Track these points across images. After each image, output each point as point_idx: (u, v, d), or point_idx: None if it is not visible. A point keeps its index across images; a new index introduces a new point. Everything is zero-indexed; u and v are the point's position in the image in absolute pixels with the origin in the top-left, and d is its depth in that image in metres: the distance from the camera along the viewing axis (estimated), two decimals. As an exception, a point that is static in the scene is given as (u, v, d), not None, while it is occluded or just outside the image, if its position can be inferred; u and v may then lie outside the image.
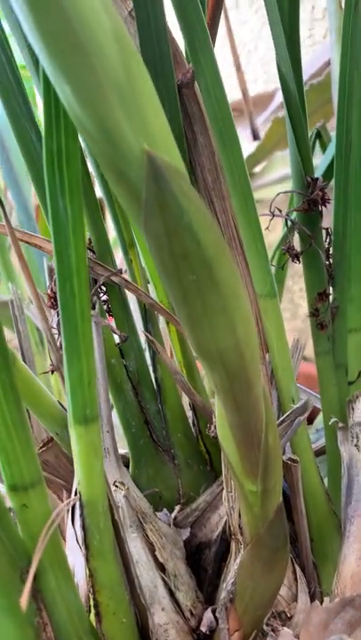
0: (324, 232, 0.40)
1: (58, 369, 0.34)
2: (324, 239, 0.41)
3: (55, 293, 0.37)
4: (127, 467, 0.46)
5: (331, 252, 0.40)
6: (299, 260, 0.40)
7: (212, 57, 0.32)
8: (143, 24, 0.32)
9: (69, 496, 0.46)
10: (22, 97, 0.32)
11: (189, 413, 0.46)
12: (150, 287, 0.42)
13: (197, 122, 0.35)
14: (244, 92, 0.81)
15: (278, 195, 0.39)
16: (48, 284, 0.38)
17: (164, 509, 0.44)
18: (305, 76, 0.82)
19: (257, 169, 0.89)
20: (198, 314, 0.26)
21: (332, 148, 0.53)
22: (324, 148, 0.55)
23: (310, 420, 0.63)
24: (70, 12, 0.20)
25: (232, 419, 0.30)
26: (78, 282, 0.27)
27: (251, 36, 0.99)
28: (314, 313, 0.39)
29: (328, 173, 0.51)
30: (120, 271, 0.37)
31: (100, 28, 0.21)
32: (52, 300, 0.37)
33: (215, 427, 0.35)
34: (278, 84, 0.37)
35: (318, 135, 0.55)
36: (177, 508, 0.44)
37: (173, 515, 0.44)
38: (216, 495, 0.43)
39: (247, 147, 0.97)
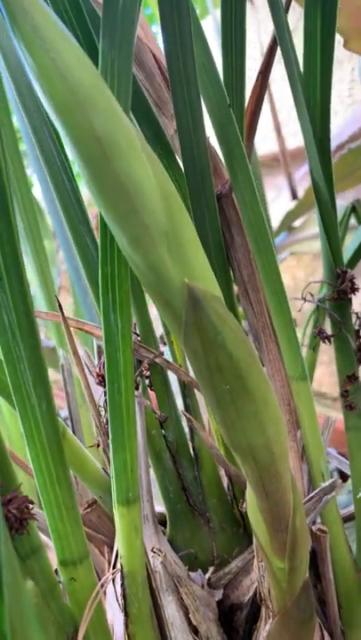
0: (353, 316, 0.43)
1: (104, 451, 0.38)
2: (353, 322, 0.43)
3: (103, 373, 0.41)
4: (163, 524, 0.49)
5: None
6: (330, 342, 0.43)
7: (249, 172, 0.35)
8: (186, 141, 0.35)
9: (110, 551, 0.49)
10: (79, 206, 0.36)
11: (224, 478, 0.49)
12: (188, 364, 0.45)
13: (234, 225, 0.38)
14: (283, 153, 0.85)
15: (310, 283, 0.42)
16: (97, 362, 0.42)
17: (199, 570, 0.47)
18: (343, 137, 0.85)
19: (296, 223, 0.92)
20: (232, 417, 0.29)
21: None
22: (359, 220, 0.58)
23: (344, 479, 0.65)
24: (121, 174, 0.24)
25: (262, 504, 0.33)
26: (125, 384, 0.31)
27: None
28: (343, 394, 0.42)
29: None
30: (162, 353, 0.41)
31: (146, 183, 0.25)
32: (100, 378, 0.41)
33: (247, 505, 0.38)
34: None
35: (353, 209, 0.58)
36: (211, 569, 0.47)
37: (207, 576, 0.46)
38: (248, 561, 0.45)
39: (286, 204, 1.00)
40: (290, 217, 0.86)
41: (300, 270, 1.23)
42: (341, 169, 0.80)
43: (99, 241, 0.28)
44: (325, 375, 1.15)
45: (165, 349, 0.45)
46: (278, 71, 1.10)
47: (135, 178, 0.24)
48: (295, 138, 1.06)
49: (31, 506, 0.27)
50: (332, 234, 0.40)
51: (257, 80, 0.39)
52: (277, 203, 1.11)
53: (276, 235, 0.92)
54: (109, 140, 0.22)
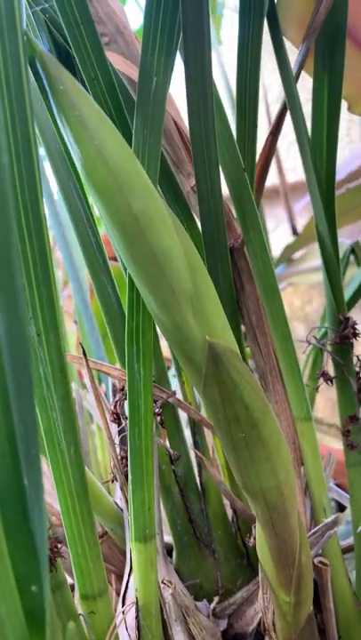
0: (355, 358, 0.45)
1: (122, 489, 0.40)
2: (355, 364, 0.46)
3: (117, 411, 0.43)
4: (169, 553, 0.51)
5: (361, 377, 0.45)
6: (332, 383, 0.45)
7: (260, 229, 0.38)
8: (203, 197, 0.38)
9: (117, 580, 0.51)
10: (101, 256, 0.38)
11: (229, 511, 0.51)
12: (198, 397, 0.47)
13: (245, 274, 0.41)
14: (284, 189, 0.88)
15: (313, 329, 0.45)
16: (112, 400, 0.44)
17: (204, 600, 0.49)
18: (342, 174, 0.89)
19: (296, 255, 0.95)
20: (246, 461, 0.31)
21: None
22: (358, 262, 0.61)
23: (341, 510, 0.67)
24: (154, 246, 0.26)
25: (270, 541, 0.35)
26: (145, 428, 0.33)
27: (291, 129, 1.06)
28: (345, 434, 0.44)
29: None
30: (174, 392, 0.43)
31: (175, 253, 0.27)
32: (115, 415, 0.43)
33: (255, 539, 0.40)
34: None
35: (352, 251, 0.61)
36: (216, 599, 0.49)
37: (212, 606, 0.48)
38: (252, 592, 0.47)
39: (285, 233, 1.03)
40: (289, 250, 0.89)
41: (297, 298, 1.26)
42: (339, 207, 0.83)
43: (126, 297, 0.31)
44: (321, 400, 1.18)
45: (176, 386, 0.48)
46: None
47: (165, 248, 0.26)
48: (294, 172, 1.09)
49: (60, 545, 0.29)
50: (335, 283, 0.43)
51: (267, 140, 0.42)
52: (277, 233, 1.15)
53: (275, 266, 0.95)
54: (144, 217, 0.25)
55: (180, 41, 0.29)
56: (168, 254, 0.27)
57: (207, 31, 0.27)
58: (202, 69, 0.28)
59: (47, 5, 0.31)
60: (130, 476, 0.34)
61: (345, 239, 0.69)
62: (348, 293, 0.60)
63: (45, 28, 0.33)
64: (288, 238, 1.00)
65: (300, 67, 0.38)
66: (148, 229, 0.25)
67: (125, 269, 0.30)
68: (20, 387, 0.19)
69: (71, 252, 0.81)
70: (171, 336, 0.29)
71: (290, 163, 1.11)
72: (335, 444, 1.17)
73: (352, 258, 0.65)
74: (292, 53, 0.43)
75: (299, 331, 1.23)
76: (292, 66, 0.39)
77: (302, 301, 1.26)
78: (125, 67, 0.34)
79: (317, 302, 1.26)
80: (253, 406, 0.30)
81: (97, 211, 0.36)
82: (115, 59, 0.34)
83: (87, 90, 0.30)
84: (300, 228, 0.93)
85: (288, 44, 0.40)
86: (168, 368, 0.48)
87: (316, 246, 0.91)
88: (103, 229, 0.45)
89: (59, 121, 0.24)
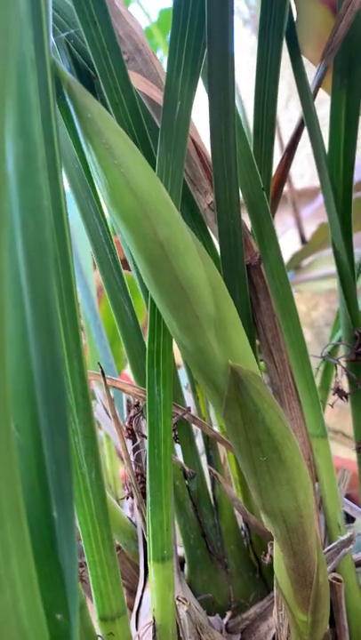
0: (369, 374, 0.45)
1: (139, 509, 0.40)
2: (369, 379, 0.46)
3: (132, 427, 0.43)
4: (181, 565, 0.51)
5: (375, 392, 0.45)
6: (346, 399, 0.45)
7: (277, 247, 0.38)
8: (222, 217, 0.38)
9: (129, 593, 0.51)
10: (119, 274, 0.38)
11: (241, 523, 0.51)
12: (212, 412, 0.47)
13: (261, 291, 0.40)
14: (293, 199, 0.88)
15: (328, 345, 0.45)
16: (126, 416, 0.44)
17: (217, 615, 0.49)
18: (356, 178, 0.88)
19: (304, 262, 0.95)
20: (267, 484, 0.31)
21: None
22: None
23: (349, 521, 0.67)
24: (178, 272, 0.26)
25: (288, 562, 0.35)
26: (165, 449, 0.33)
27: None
28: (360, 449, 0.44)
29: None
30: (188, 409, 0.43)
31: (199, 280, 0.27)
32: (129, 432, 0.43)
33: (270, 556, 0.40)
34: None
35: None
36: (228, 613, 0.49)
37: (225, 621, 0.48)
38: (266, 608, 0.47)
39: (292, 238, 1.03)
40: (297, 258, 0.89)
41: (302, 304, 1.25)
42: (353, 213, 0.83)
43: (148, 321, 0.31)
44: (328, 407, 1.17)
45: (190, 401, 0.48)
46: (287, 116, 1.13)
47: (190, 275, 0.26)
48: (302, 179, 1.09)
49: (81, 569, 0.29)
50: (350, 298, 0.43)
51: (283, 157, 0.42)
52: (284, 238, 1.15)
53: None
54: (170, 244, 0.25)
55: (203, 66, 0.29)
56: (192, 281, 0.27)
57: (231, 58, 0.27)
58: (225, 95, 0.28)
59: (73, 31, 0.30)
60: (148, 497, 0.34)
61: (358, 248, 0.69)
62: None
63: (65, 47, 0.33)
64: (295, 243, 1.00)
65: (319, 84, 0.38)
66: (174, 256, 0.25)
67: (147, 292, 0.30)
68: (53, 427, 0.19)
69: (79, 257, 0.81)
70: (193, 359, 0.29)
71: (297, 169, 1.11)
72: (341, 452, 1.17)
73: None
74: (308, 68, 0.43)
75: (305, 336, 1.23)
76: (310, 83, 0.39)
77: (308, 307, 1.26)
78: (146, 86, 0.34)
79: (323, 307, 1.26)
80: (275, 430, 0.30)
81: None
82: (135, 78, 0.34)
83: (109, 112, 0.29)
84: (307, 235, 0.93)
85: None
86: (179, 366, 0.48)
87: (323, 254, 0.91)
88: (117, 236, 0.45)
89: (84, 147, 0.24)
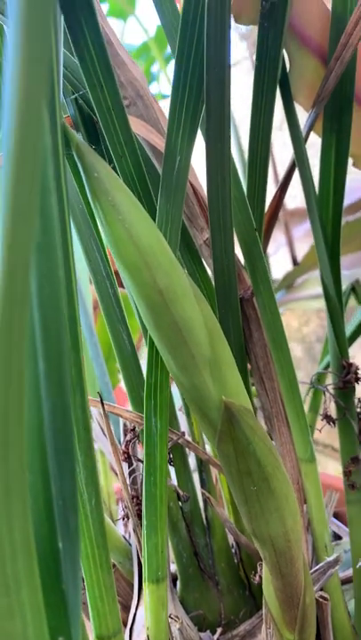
0: (356, 400, 0.47)
1: (135, 531, 0.41)
2: (356, 406, 0.48)
3: (128, 450, 0.45)
4: (173, 582, 0.53)
5: (362, 418, 0.47)
6: (334, 424, 0.47)
7: (269, 283, 0.40)
8: (217, 256, 0.40)
9: (124, 611, 0.52)
10: (118, 307, 0.40)
11: (232, 541, 0.53)
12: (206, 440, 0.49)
13: (253, 322, 0.42)
14: (286, 225, 0.90)
15: (317, 373, 0.47)
16: (122, 439, 0.46)
17: (207, 631, 0.50)
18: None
19: (297, 281, 0.97)
20: (256, 512, 0.33)
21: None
22: (358, 300, 0.63)
23: (336, 538, 0.69)
24: (177, 316, 0.28)
25: (276, 583, 0.37)
26: (160, 476, 0.34)
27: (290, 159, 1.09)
28: (346, 474, 0.46)
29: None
30: (183, 433, 0.45)
31: (196, 323, 0.29)
32: (125, 455, 0.45)
33: (260, 577, 0.42)
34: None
35: (353, 289, 0.63)
36: (219, 630, 0.50)
37: (216, 637, 0.50)
38: (255, 625, 0.49)
39: (284, 257, 1.05)
40: (289, 278, 0.91)
41: (294, 320, 1.28)
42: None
43: (146, 356, 0.33)
44: (318, 422, 1.19)
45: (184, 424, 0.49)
46: (281, 138, 1.15)
47: (187, 319, 0.28)
48: (294, 199, 1.12)
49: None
50: (338, 329, 0.45)
51: (275, 196, 0.44)
52: (276, 257, 1.17)
53: (275, 292, 0.97)
54: (169, 292, 0.27)
55: (202, 118, 0.31)
56: (189, 324, 0.29)
57: (227, 114, 0.29)
58: (221, 147, 0.30)
59: (82, 91, 0.33)
60: (144, 521, 0.35)
61: (345, 270, 0.71)
62: (348, 329, 0.62)
63: (71, 94, 0.35)
64: (287, 261, 1.02)
65: (310, 129, 0.40)
66: (172, 302, 0.27)
67: (146, 330, 0.32)
68: (62, 466, 0.20)
69: (77, 276, 0.83)
70: (188, 395, 0.31)
71: (290, 191, 1.13)
72: (330, 465, 1.19)
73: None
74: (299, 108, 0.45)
75: (296, 352, 1.25)
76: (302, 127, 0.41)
77: (300, 323, 1.28)
78: (146, 131, 0.36)
79: (315, 323, 1.29)
80: (265, 462, 0.32)
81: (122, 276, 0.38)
82: (136, 124, 0.36)
83: (112, 161, 0.31)
84: (299, 254, 0.95)
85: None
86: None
87: (314, 274, 0.93)
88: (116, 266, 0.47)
89: (92, 202, 0.26)
